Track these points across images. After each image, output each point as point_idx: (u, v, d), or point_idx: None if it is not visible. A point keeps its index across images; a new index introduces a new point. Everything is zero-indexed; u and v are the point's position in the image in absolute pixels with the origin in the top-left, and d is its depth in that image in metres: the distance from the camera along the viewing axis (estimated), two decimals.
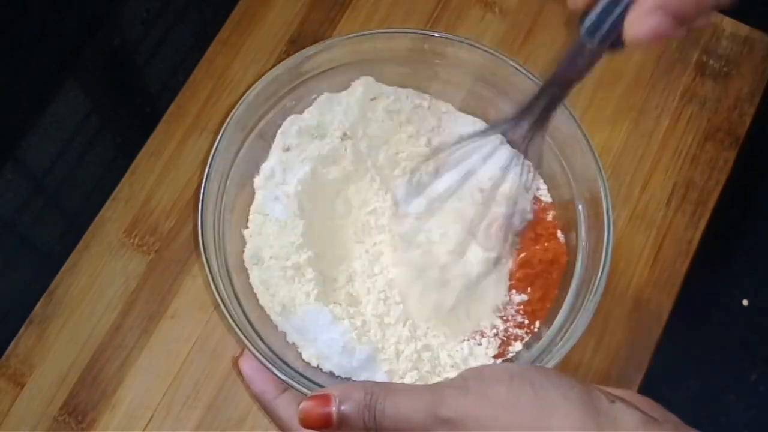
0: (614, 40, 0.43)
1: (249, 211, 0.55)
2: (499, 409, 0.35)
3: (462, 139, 0.53)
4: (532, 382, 0.35)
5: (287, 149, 0.56)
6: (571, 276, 0.53)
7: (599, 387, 0.36)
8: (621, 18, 0.42)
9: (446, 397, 0.36)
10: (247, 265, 0.53)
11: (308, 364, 0.51)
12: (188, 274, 0.63)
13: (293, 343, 0.51)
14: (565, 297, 0.53)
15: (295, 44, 0.69)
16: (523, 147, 0.49)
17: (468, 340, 0.54)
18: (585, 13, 0.44)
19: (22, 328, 0.62)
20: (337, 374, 0.51)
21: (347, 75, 0.58)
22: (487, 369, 0.37)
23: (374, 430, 0.37)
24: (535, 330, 0.54)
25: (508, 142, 0.51)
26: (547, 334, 0.52)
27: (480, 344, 0.53)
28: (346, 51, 0.56)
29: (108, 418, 0.60)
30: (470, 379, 0.36)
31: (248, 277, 0.53)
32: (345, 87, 0.58)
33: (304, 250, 0.52)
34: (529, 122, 0.48)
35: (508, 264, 0.56)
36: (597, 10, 0.43)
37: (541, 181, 0.58)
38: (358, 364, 0.50)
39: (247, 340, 0.48)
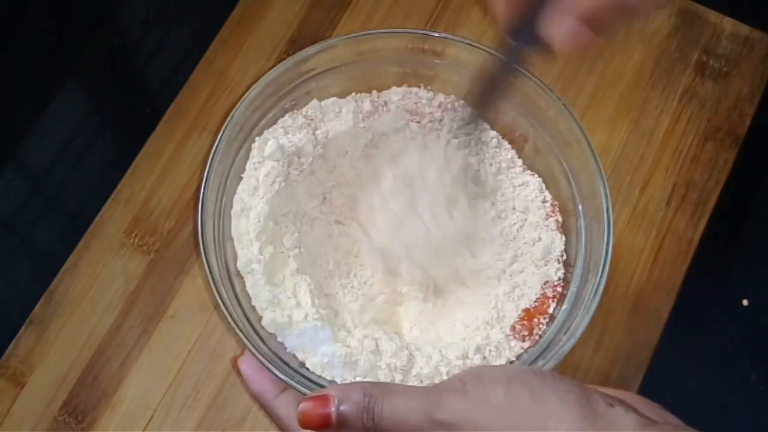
0: (539, 42, 0.45)
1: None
2: (497, 413, 0.35)
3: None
4: (530, 386, 0.35)
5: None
6: (571, 277, 0.53)
7: (598, 390, 0.36)
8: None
9: (443, 399, 0.36)
10: (242, 273, 0.53)
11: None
12: (188, 274, 0.63)
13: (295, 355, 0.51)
14: (566, 297, 0.53)
15: (295, 44, 0.69)
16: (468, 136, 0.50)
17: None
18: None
19: (22, 328, 0.62)
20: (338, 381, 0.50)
21: (347, 75, 0.58)
22: (486, 371, 0.37)
23: (373, 431, 0.37)
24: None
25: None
26: (547, 334, 0.52)
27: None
28: (346, 51, 0.56)
29: (108, 418, 0.60)
30: (468, 381, 0.36)
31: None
32: (345, 86, 0.58)
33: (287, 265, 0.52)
34: (470, 114, 0.49)
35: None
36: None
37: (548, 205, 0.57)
38: (361, 374, 0.50)
39: (247, 340, 0.48)
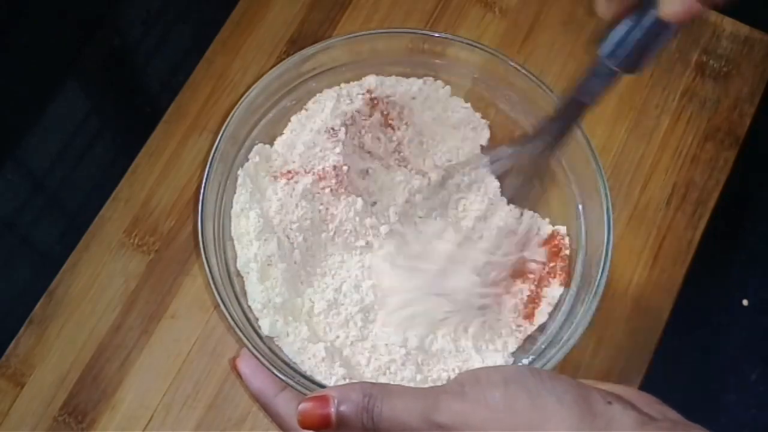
0: (632, 63, 0.43)
1: None
2: (494, 415, 0.35)
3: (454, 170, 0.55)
4: (528, 387, 0.35)
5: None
6: (572, 277, 0.53)
7: (596, 386, 0.36)
8: (641, 42, 0.42)
9: (441, 402, 0.36)
10: (242, 273, 0.53)
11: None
12: (188, 274, 0.63)
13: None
14: (566, 297, 0.53)
15: (295, 44, 0.69)
16: (531, 170, 0.51)
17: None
18: (604, 35, 0.44)
19: (22, 328, 0.62)
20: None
21: (347, 75, 0.58)
22: (483, 373, 0.37)
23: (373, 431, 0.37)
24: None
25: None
26: (548, 334, 0.52)
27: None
28: (346, 51, 0.56)
29: (108, 418, 0.60)
30: (466, 384, 0.36)
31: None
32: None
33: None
34: (541, 146, 0.50)
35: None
36: (618, 33, 0.43)
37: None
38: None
39: (247, 340, 0.48)
